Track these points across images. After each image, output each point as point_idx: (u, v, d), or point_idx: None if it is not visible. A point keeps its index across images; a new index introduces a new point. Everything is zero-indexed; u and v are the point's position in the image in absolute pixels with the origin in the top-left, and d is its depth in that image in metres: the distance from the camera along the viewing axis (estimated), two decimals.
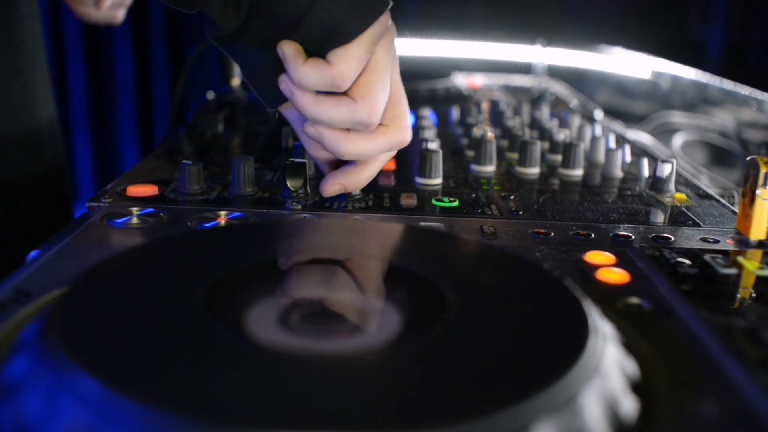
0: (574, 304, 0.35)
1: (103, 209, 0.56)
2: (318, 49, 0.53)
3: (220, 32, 0.55)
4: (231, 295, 0.37)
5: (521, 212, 0.59)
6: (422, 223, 0.55)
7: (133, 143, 2.43)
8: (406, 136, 0.58)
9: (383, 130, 0.57)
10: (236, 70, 1.05)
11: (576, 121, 0.96)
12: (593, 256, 0.48)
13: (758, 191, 0.52)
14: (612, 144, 0.81)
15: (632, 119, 1.30)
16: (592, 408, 0.28)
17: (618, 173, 0.73)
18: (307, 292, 0.39)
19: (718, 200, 0.65)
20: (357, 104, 0.54)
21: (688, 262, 0.46)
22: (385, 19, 0.54)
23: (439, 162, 0.68)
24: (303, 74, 0.53)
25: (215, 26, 0.55)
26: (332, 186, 0.59)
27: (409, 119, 0.59)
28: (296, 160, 0.62)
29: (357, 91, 0.54)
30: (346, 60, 0.52)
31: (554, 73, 1.45)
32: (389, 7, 0.54)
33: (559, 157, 0.76)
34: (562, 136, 0.83)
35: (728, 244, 0.53)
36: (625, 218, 0.59)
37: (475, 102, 1.15)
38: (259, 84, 0.58)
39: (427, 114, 1.00)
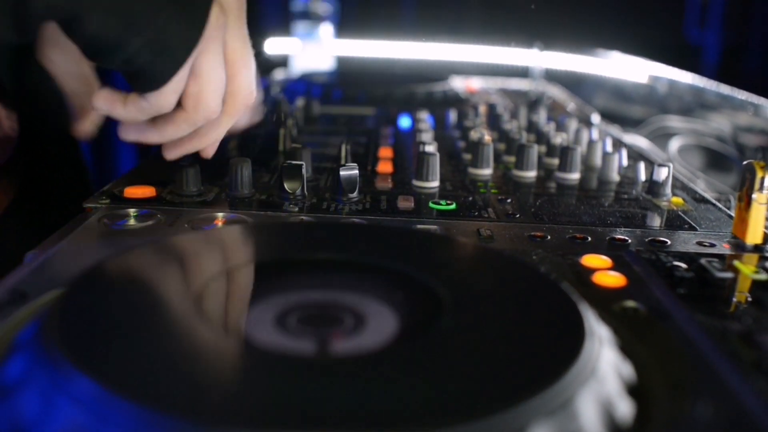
0: (570, 307, 0.35)
1: (100, 210, 0.56)
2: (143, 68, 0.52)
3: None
4: (227, 297, 0.37)
5: (518, 215, 0.59)
6: (419, 226, 0.55)
7: (130, 145, 2.43)
8: (247, 103, 0.59)
9: (224, 111, 0.57)
10: None
11: (573, 124, 0.96)
12: (590, 260, 0.48)
13: (754, 195, 0.52)
14: (609, 148, 0.81)
15: (629, 123, 1.30)
16: (588, 411, 0.28)
17: (615, 177, 0.73)
18: (305, 293, 0.39)
19: (714, 204, 0.66)
20: (190, 114, 0.55)
21: (684, 265, 0.46)
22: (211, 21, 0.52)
23: (436, 165, 0.68)
24: (127, 116, 0.54)
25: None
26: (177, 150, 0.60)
27: (246, 83, 0.58)
28: (293, 162, 0.62)
29: (188, 101, 0.54)
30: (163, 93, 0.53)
31: (551, 76, 1.46)
32: (209, 10, 0.52)
33: (556, 161, 0.76)
34: (559, 139, 0.83)
35: (724, 248, 0.53)
36: (622, 222, 0.59)
37: (473, 105, 1.15)
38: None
39: (425, 117, 1.00)
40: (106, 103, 0.55)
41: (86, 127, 0.64)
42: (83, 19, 0.48)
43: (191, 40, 0.51)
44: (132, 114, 0.55)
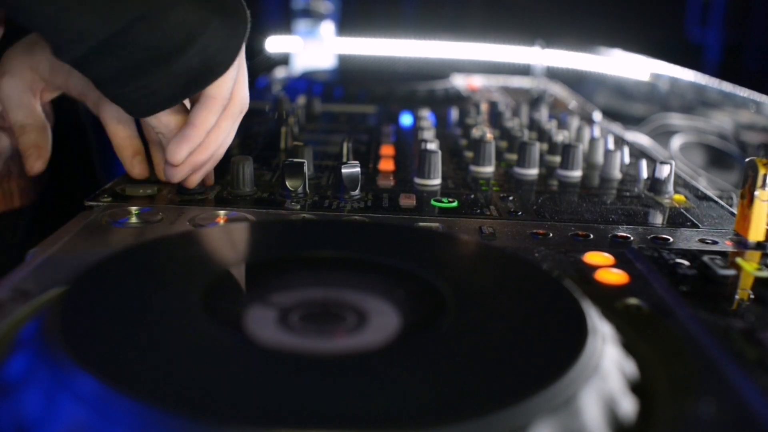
0: (573, 304, 0.35)
1: (101, 208, 0.56)
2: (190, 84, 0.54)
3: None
4: (230, 294, 0.37)
5: (520, 213, 0.59)
6: (421, 224, 0.55)
7: None
8: (242, 109, 0.59)
9: (222, 116, 0.57)
10: None
11: (575, 122, 0.96)
12: (592, 257, 0.48)
13: (757, 193, 0.52)
14: (611, 145, 0.81)
15: (631, 121, 1.30)
16: (591, 408, 0.28)
17: (617, 174, 0.73)
18: (306, 291, 0.39)
19: (716, 202, 0.65)
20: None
21: (686, 263, 0.46)
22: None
23: (438, 163, 0.68)
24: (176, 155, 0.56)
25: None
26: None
27: (228, 89, 0.57)
28: (295, 160, 0.62)
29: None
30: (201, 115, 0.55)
31: (553, 74, 1.46)
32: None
33: (557, 159, 0.76)
34: (560, 137, 0.83)
35: (727, 245, 0.53)
36: (624, 219, 0.59)
37: (474, 103, 1.15)
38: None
39: (426, 115, 1.00)
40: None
41: (39, 166, 0.63)
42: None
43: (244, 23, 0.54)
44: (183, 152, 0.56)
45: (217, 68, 0.53)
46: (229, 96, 0.56)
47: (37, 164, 0.62)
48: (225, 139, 0.59)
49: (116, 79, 0.52)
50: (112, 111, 0.61)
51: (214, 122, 0.56)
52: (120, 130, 0.63)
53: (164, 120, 0.56)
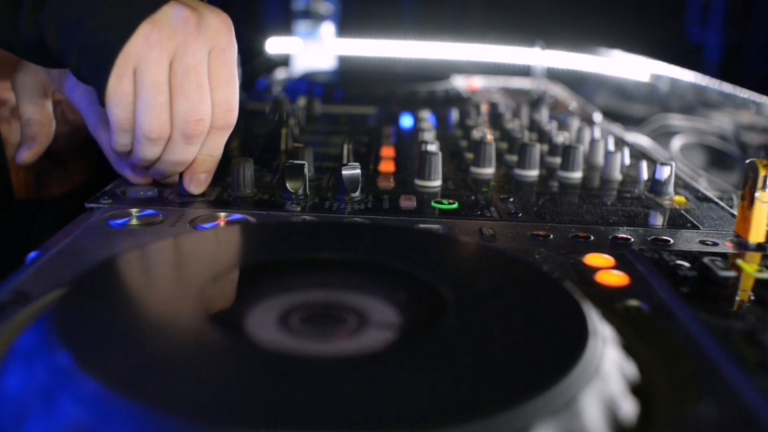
0: (573, 306, 0.35)
1: (102, 210, 0.56)
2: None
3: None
4: (230, 296, 0.37)
5: (520, 214, 0.59)
6: (421, 226, 0.55)
7: None
8: (228, 121, 0.57)
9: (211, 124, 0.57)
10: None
11: (575, 123, 0.96)
12: (592, 259, 0.48)
13: (757, 194, 0.52)
14: (611, 146, 0.81)
15: (631, 122, 1.30)
16: (591, 410, 0.28)
17: (617, 176, 0.73)
18: (307, 293, 0.39)
19: (717, 203, 0.65)
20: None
21: (687, 264, 0.46)
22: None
23: (438, 164, 0.68)
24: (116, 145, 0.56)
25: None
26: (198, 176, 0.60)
27: (225, 100, 0.57)
28: (295, 162, 0.62)
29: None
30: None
31: (553, 75, 1.46)
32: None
33: (558, 160, 0.76)
34: (561, 138, 0.83)
35: (727, 246, 0.53)
36: (624, 221, 0.59)
37: (474, 104, 1.15)
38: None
39: (427, 116, 1.00)
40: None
41: (28, 157, 0.66)
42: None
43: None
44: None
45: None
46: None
47: (26, 154, 0.66)
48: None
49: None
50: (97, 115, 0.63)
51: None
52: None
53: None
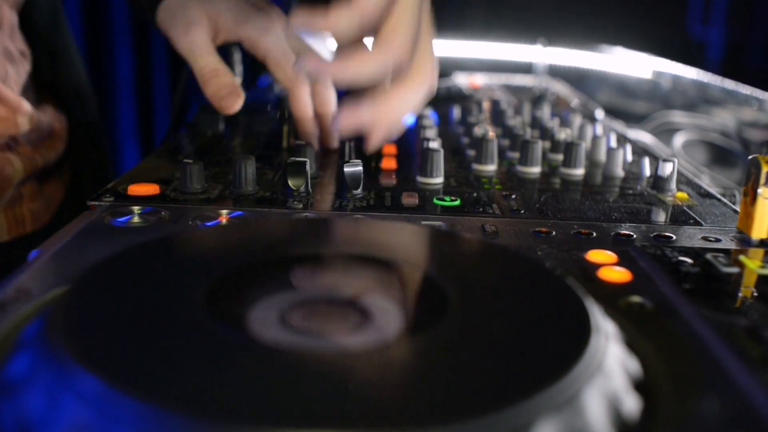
0: (576, 302, 0.35)
1: (104, 208, 0.56)
2: None
3: None
4: (233, 294, 0.37)
5: (522, 211, 0.59)
6: (424, 222, 0.55)
7: (133, 143, 2.43)
8: (431, 79, 0.57)
9: (409, 75, 0.55)
10: (237, 69, 1.05)
11: (577, 120, 0.95)
12: (595, 255, 0.48)
13: (760, 190, 0.52)
14: (613, 143, 0.81)
15: (633, 119, 1.29)
16: (594, 407, 0.28)
17: (619, 172, 0.73)
18: (309, 290, 0.39)
19: (719, 199, 0.65)
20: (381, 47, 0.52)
21: (689, 261, 0.46)
22: None
23: (440, 161, 0.67)
24: (335, 26, 0.53)
25: None
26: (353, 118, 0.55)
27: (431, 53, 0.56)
28: (297, 159, 0.62)
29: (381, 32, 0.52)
30: None
31: (555, 72, 1.45)
32: None
33: (560, 157, 0.76)
34: (563, 135, 0.83)
35: (730, 243, 0.53)
36: (627, 217, 0.59)
37: (476, 101, 1.15)
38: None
39: (428, 113, 1.00)
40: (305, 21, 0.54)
41: (237, 104, 0.68)
42: None
43: None
44: (341, 27, 0.53)
45: None
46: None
47: (237, 102, 0.67)
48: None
49: None
50: (276, 44, 0.65)
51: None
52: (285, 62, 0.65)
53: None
